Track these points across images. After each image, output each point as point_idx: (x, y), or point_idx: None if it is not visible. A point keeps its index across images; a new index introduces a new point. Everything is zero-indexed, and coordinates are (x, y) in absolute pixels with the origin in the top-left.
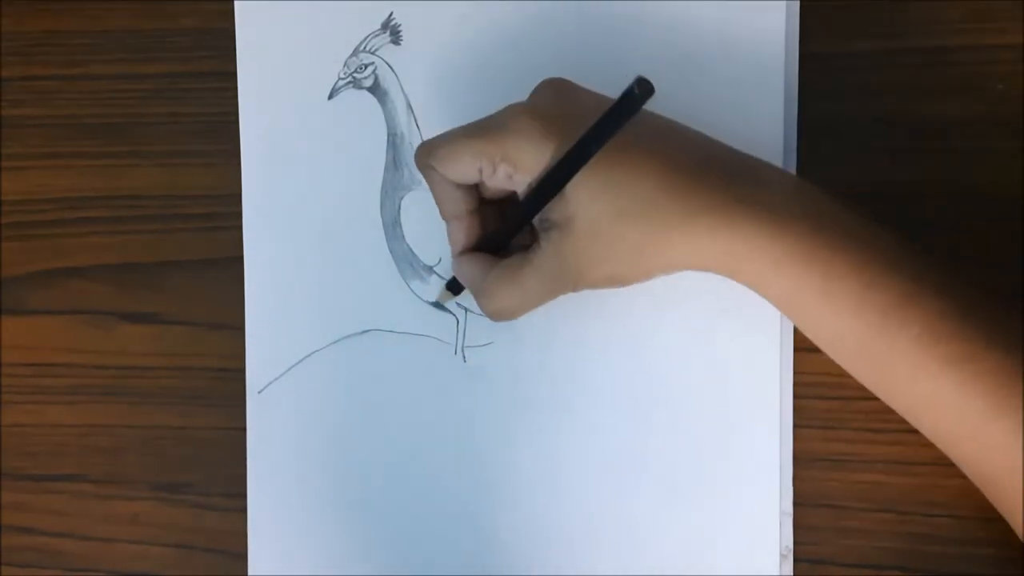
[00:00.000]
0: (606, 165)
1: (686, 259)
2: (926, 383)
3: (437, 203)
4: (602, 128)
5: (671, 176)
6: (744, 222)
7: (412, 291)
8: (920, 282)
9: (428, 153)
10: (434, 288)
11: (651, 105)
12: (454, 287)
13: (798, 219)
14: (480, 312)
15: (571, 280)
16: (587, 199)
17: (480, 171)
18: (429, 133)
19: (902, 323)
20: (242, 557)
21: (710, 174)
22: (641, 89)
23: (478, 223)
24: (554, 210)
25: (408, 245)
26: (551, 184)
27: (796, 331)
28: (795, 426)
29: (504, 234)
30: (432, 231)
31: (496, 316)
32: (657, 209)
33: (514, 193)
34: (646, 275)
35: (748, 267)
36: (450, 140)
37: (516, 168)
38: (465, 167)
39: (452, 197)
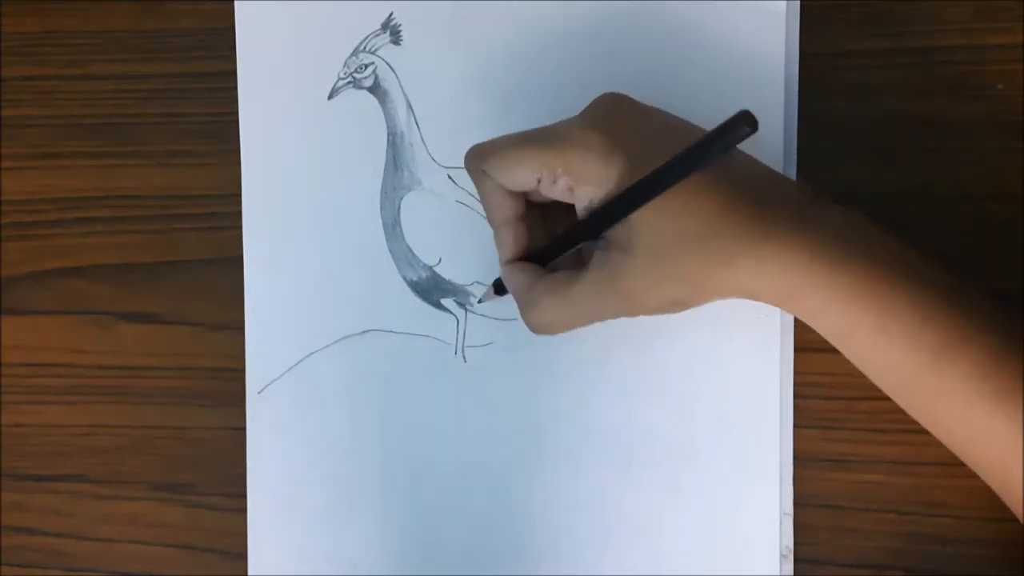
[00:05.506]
0: None
1: (747, 285)
2: (978, 416)
3: (486, 209)
4: (689, 159)
5: (734, 199)
6: (805, 254)
7: (412, 291)
8: (973, 318)
9: (481, 159)
10: (432, 288)
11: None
12: (500, 288)
13: (857, 254)
14: (482, 314)
15: (627, 303)
16: (648, 220)
17: (538, 181)
18: (429, 133)
19: (955, 358)
20: (242, 557)
21: (773, 201)
22: (747, 124)
23: (526, 229)
24: (613, 228)
25: (408, 245)
26: (620, 208)
27: (796, 331)
28: (795, 426)
29: (557, 247)
30: (431, 231)
31: (538, 329)
32: (720, 233)
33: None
34: (706, 299)
35: (805, 299)
36: (507, 147)
37: (578, 181)
38: (524, 176)
39: (503, 204)
